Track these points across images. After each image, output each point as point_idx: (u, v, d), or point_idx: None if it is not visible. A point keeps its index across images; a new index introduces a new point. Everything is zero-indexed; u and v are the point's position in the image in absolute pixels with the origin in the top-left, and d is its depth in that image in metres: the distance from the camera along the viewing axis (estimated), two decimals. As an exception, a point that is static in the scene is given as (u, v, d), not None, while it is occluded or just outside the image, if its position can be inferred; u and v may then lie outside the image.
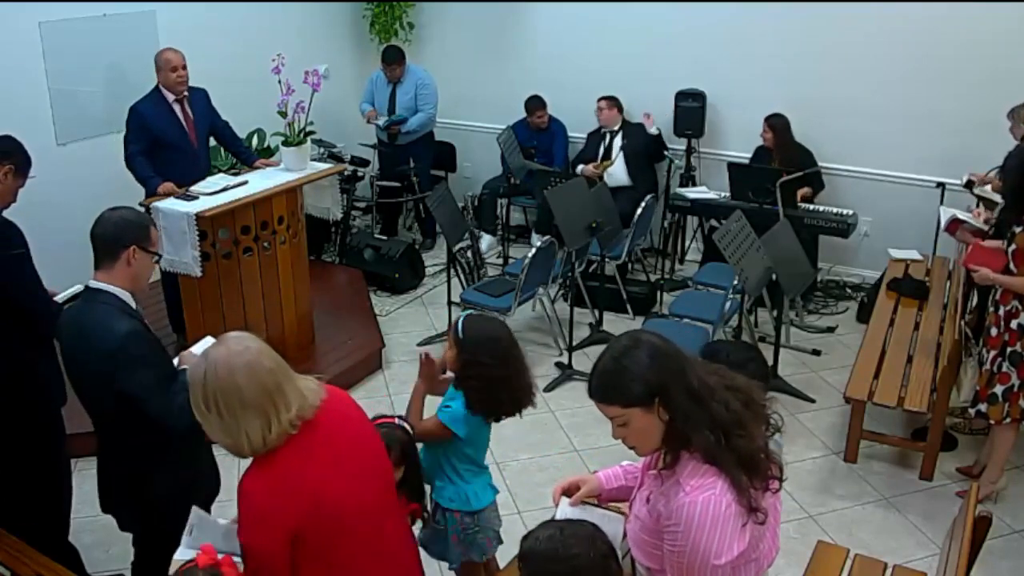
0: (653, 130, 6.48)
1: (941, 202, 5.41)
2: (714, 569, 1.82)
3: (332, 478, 2.05)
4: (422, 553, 2.65)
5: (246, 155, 5.37)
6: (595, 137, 6.72)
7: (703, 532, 1.80)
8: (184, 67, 4.88)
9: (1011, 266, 3.69)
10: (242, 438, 1.95)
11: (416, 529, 2.74)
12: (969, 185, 5.10)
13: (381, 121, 6.78)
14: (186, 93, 4.94)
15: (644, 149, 6.53)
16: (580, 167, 6.66)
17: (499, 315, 5.10)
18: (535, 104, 6.86)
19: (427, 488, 2.84)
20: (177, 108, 4.92)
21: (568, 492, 2.25)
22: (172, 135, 4.89)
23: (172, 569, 2.11)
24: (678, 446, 1.87)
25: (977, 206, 4.90)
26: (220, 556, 2.01)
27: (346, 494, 2.07)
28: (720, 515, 1.80)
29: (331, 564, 2.09)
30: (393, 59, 6.73)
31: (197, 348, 2.91)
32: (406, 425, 2.71)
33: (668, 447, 1.89)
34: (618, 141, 6.57)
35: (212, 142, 5.34)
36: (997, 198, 4.62)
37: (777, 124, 6.00)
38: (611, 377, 1.87)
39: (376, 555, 2.20)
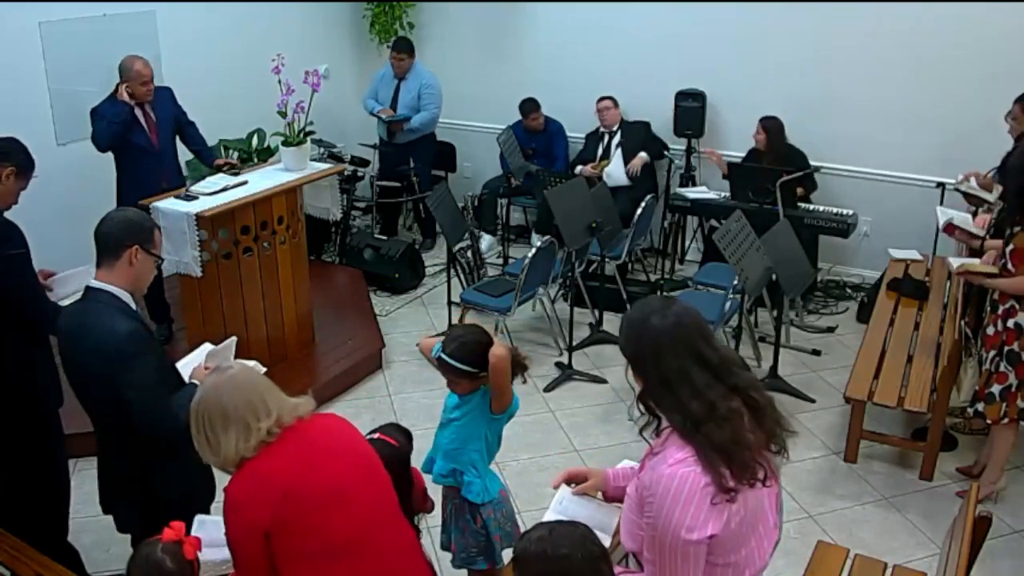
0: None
1: (941, 202, 5.41)
2: (685, 544, 1.84)
3: (307, 473, 2.14)
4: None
5: (206, 155, 5.34)
6: (594, 138, 6.72)
7: (677, 504, 1.83)
8: (152, 78, 4.89)
9: (1008, 266, 3.70)
10: (221, 455, 2.13)
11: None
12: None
13: (385, 116, 6.76)
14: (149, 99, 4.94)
15: (644, 148, 6.53)
16: (579, 168, 6.66)
17: (499, 315, 5.12)
18: (529, 107, 6.82)
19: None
20: (138, 111, 4.89)
21: (573, 481, 2.27)
22: (134, 137, 4.88)
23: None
24: (651, 412, 2.01)
25: (985, 211, 4.87)
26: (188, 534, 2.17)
27: (324, 487, 2.15)
28: (696, 490, 1.83)
29: (314, 561, 2.14)
30: (404, 48, 6.72)
31: (193, 357, 2.90)
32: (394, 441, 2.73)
33: (644, 407, 2.01)
34: (616, 141, 6.57)
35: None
36: (986, 195, 4.62)
37: (771, 126, 5.98)
38: (622, 325, 2.03)
39: (371, 560, 2.22)
